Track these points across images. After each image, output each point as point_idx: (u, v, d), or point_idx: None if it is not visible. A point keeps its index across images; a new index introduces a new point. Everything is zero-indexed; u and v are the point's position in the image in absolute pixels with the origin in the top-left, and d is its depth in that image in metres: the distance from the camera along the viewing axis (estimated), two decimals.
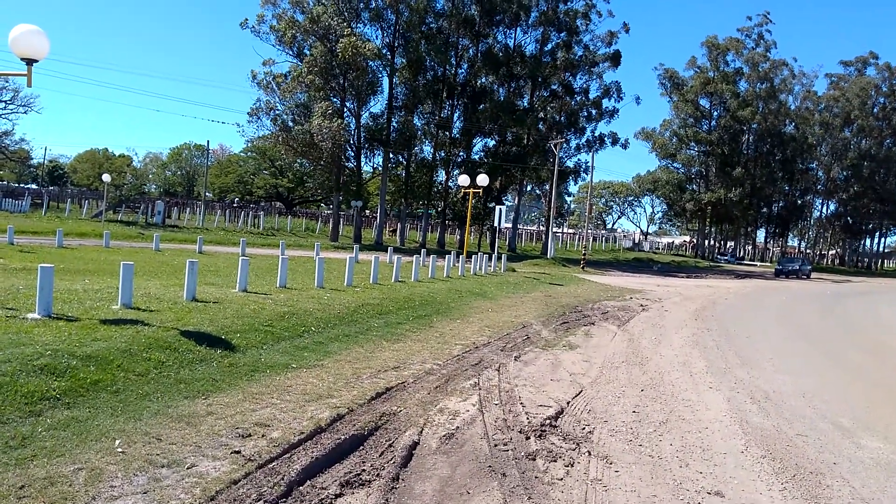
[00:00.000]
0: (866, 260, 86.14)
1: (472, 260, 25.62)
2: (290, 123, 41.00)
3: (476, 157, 49.45)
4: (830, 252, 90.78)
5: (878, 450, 6.52)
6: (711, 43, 69.25)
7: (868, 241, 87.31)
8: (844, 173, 77.84)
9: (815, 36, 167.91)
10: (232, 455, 5.00)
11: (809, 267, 52.98)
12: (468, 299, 16.87)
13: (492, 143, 50.92)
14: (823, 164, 79.61)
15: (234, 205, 59.60)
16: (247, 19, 41.13)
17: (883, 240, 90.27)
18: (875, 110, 75.77)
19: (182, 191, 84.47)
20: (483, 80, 48.66)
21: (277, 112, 41.36)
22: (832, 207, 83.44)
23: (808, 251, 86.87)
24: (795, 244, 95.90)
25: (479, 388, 7.85)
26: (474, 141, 49.87)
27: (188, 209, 56.61)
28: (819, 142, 77.56)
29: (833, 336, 15.83)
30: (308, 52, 40.20)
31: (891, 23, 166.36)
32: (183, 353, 7.60)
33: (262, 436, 5.48)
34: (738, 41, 70.01)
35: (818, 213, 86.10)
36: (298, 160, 55.46)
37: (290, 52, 41.88)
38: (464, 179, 30.34)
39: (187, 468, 4.69)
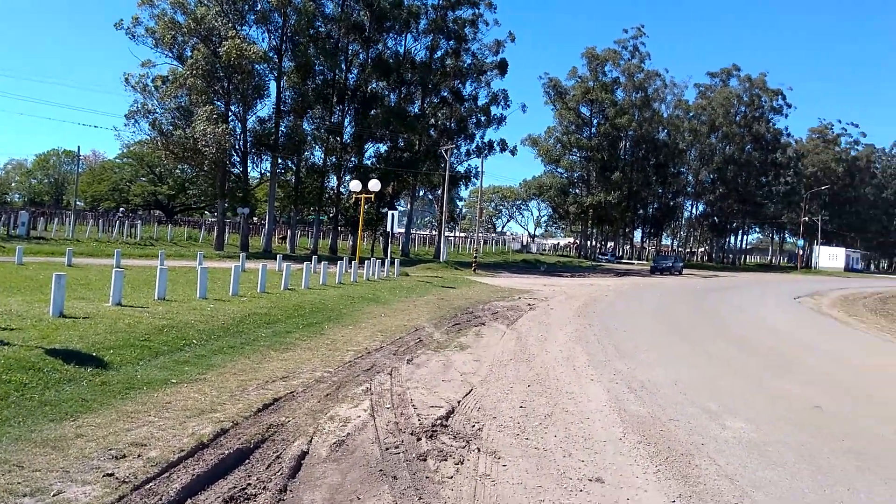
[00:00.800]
0: (731, 256, 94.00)
1: (365, 265, 25.49)
2: (171, 128, 38.86)
3: (368, 162, 49.11)
4: (700, 249, 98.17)
5: (740, 430, 7.12)
6: (591, 54, 72.75)
7: (732, 239, 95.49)
8: (711, 176, 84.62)
9: (686, 48, 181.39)
10: (104, 478, 4.69)
11: (681, 264, 57.04)
12: (361, 305, 16.76)
13: (384, 148, 50.81)
14: (693, 168, 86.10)
15: (120, 215, 55.40)
16: (122, 20, 38.36)
17: (745, 237, 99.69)
18: (737, 118, 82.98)
19: (50, 200, 78.42)
20: (374, 85, 48.52)
21: (156, 116, 39.10)
22: (701, 208, 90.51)
23: (680, 249, 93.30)
24: (669, 243, 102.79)
25: (371, 393, 7.83)
26: (366, 146, 49.60)
27: (57, 219, 52.34)
28: (688, 147, 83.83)
29: (703, 331, 17.04)
30: (189, 55, 38.29)
31: (751, 37, 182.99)
32: (48, 372, 7.05)
33: (139, 456, 5.18)
34: (615, 52, 73.99)
35: (688, 214, 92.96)
36: (180, 166, 52.78)
37: (170, 55, 39.62)
38: (355, 185, 30.14)
39: (53, 495, 4.36)
